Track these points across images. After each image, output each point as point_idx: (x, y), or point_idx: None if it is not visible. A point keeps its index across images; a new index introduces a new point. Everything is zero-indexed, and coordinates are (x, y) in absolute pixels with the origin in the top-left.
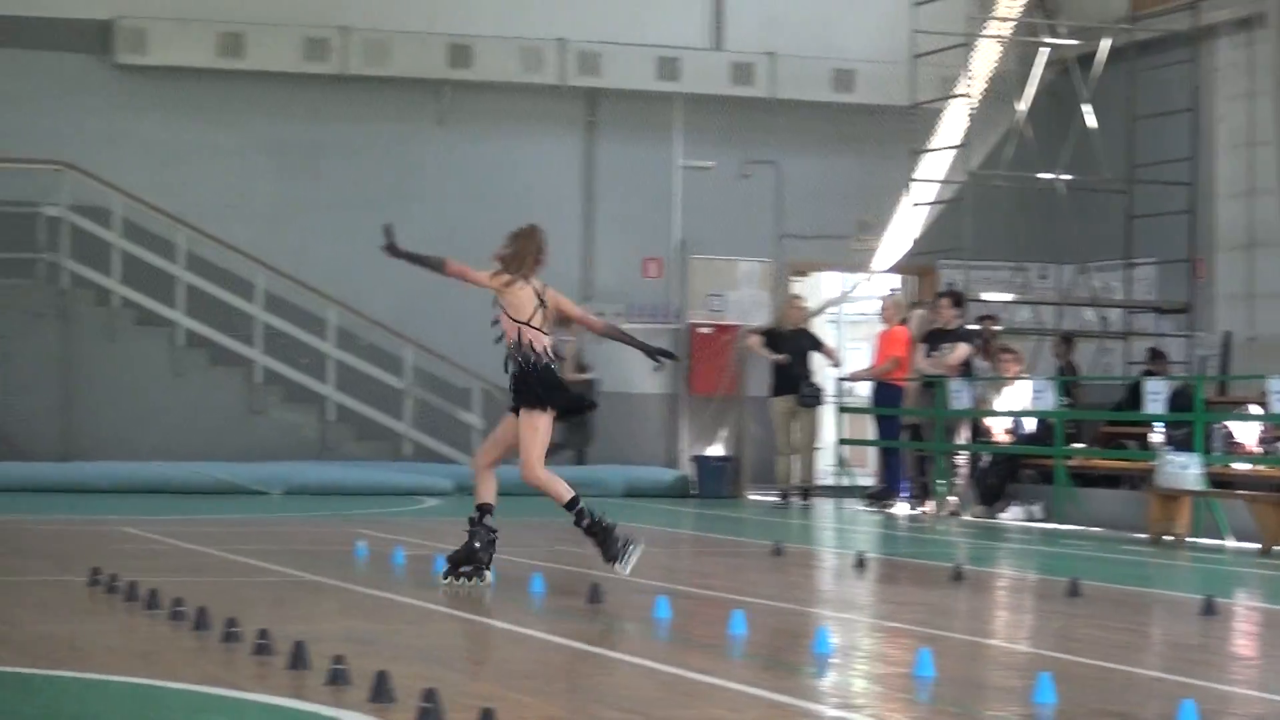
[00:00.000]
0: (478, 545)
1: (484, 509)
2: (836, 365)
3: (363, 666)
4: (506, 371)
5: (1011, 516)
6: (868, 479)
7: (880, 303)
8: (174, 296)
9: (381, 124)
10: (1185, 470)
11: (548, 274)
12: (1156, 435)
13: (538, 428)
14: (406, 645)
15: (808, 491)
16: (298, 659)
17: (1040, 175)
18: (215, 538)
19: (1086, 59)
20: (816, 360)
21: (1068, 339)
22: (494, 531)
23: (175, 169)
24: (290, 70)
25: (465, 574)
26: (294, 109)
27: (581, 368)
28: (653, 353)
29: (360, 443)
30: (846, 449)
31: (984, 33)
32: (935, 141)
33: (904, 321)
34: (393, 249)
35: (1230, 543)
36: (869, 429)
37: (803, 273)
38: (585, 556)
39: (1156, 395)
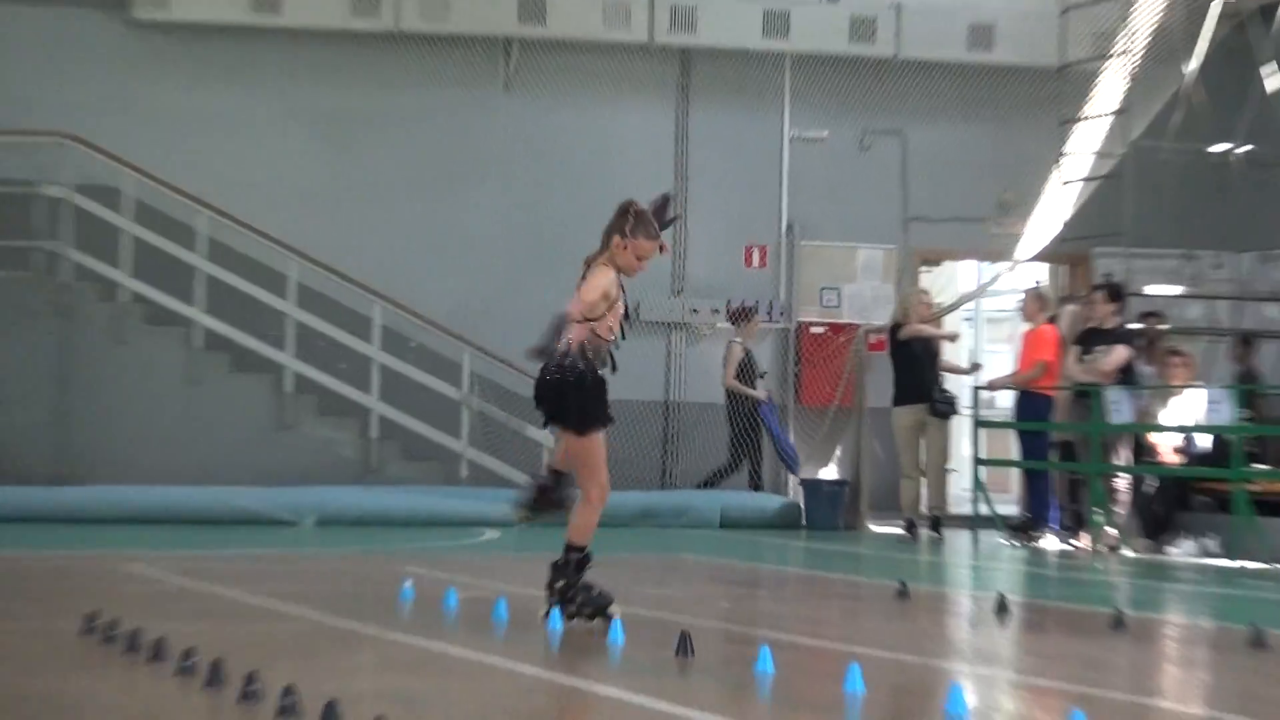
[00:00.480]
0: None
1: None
2: (969, 373)
3: None
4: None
5: (1182, 551)
6: (1010, 506)
7: (1023, 297)
8: (192, 291)
9: (439, 90)
10: None
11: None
12: None
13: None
14: (458, 706)
15: (938, 521)
16: None
17: (1213, 148)
18: (234, 576)
19: (1267, 10)
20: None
21: (1248, 340)
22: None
23: (197, 142)
24: (334, 27)
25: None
26: (338, 73)
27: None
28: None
29: (409, 463)
30: (984, 471)
31: None
32: (1089, 108)
33: (1052, 319)
34: (543, 351)
35: None
36: (1011, 447)
37: (933, 262)
38: (673, 599)
39: None
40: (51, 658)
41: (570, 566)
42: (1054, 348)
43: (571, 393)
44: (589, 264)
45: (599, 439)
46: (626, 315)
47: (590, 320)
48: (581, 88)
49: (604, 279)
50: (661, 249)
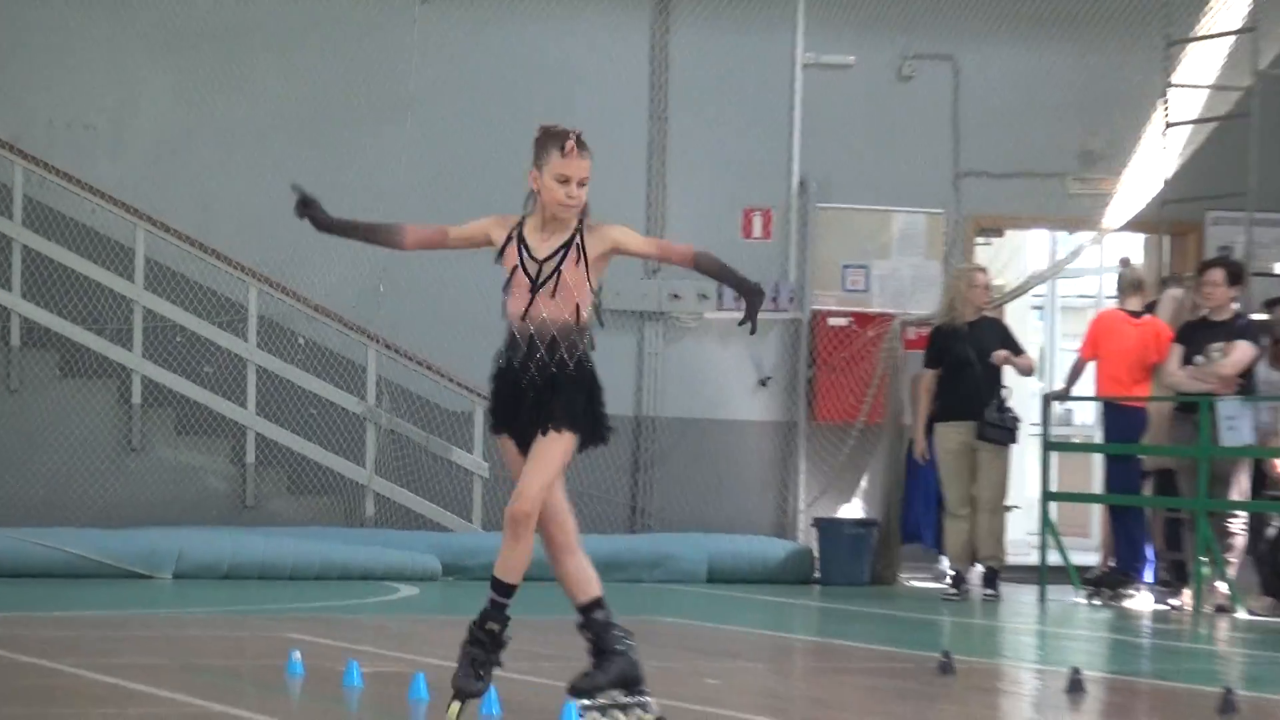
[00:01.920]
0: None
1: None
2: (1030, 373)
3: None
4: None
5: None
6: (1090, 554)
7: (1116, 279)
8: (6, 270)
9: (334, 3)
10: None
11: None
12: None
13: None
14: None
15: (994, 574)
16: None
17: None
18: (69, 645)
19: None
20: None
21: None
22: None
23: (13, 74)
24: None
25: (623, 705)
26: None
27: None
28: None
29: (296, 498)
30: (1056, 508)
31: None
32: (1205, 26)
33: (1151, 307)
34: (315, 218)
35: None
36: (1094, 478)
37: (993, 231)
38: (650, 673)
39: None
40: None
41: (596, 623)
42: (1162, 346)
43: (587, 388)
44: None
45: (505, 450)
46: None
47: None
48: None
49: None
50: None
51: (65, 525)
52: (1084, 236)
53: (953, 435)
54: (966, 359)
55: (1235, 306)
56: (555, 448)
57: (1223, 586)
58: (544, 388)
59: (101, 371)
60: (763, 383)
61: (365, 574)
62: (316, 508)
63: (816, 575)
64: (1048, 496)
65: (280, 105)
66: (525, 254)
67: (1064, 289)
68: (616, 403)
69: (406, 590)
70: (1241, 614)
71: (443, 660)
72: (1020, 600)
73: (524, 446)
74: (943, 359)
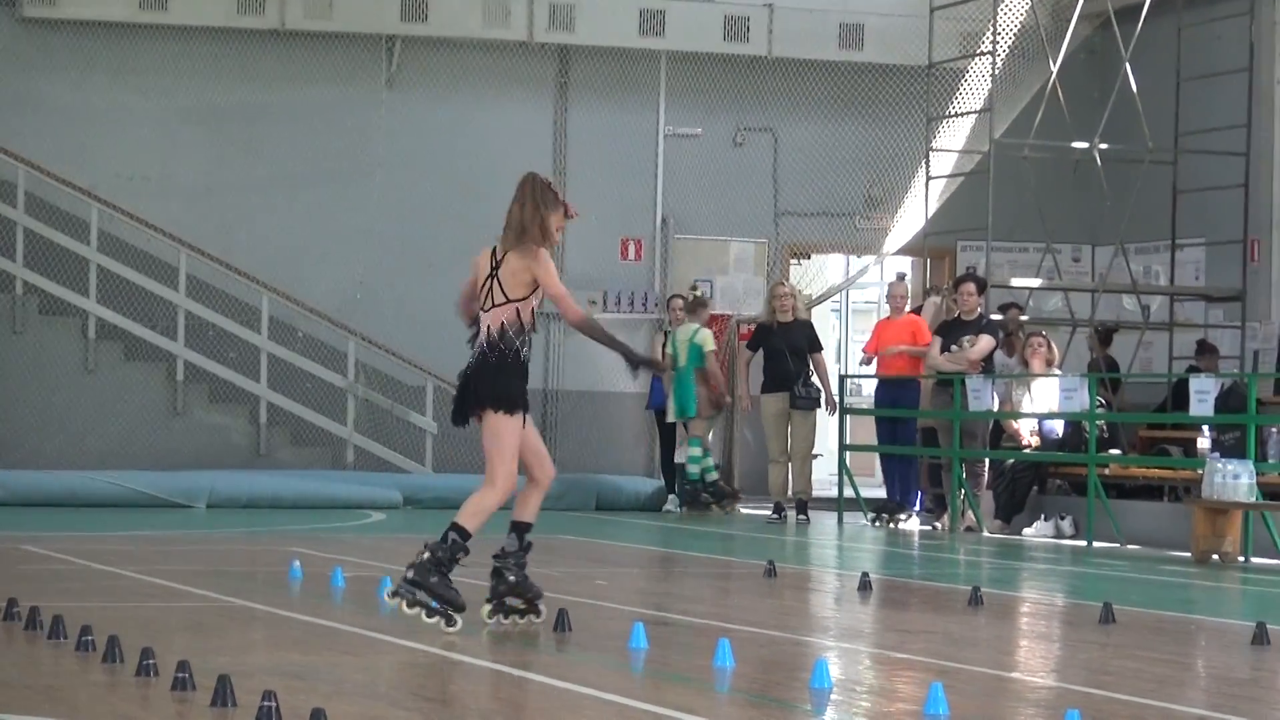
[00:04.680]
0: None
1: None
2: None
3: (296, 704)
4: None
5: (1037, 532)
6: (875, 489)
7: (888, 290)
8: (85, 282)
9: (323, 86)
10: (1236, 480)
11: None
12: (1204, 440)
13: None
14: (347, 679)
15: (804, 504)
16: (222, 695)
17: (1075, 144)
18: (129, 557)
19: (1128, 12)
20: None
21: (1104, 331)
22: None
23: (88, 137)
24: (220, 25)
25: (520, 609)
26: (223, 69)
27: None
28: (636, 361)
29: (297, 449)
30: (849, 456)
31: None
32: (955, 106)
33: (917, 310)
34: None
35: None
36: (874, 433)
37: (803, 255)
38: (552, 578)
39: (1204, 394)
40: None
41: (446, 546)
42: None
43: (493, 372)
44: (502, 252)
45: (515, 423)
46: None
47: (515, 301)
48: (462, 85)
49: (548, 260)
50: (569, 215)
51: (128, 469)
52: (868, 259)
53: (773, 403)
54: (780, 349)
55: (979, 310)
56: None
57: (971, 514)
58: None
59: (154, 356)
60: (635, 375)
61: (347, 504)
62: (311, 456)
63: (669, 507)
64: (844, 447)
65: (281, 163)
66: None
67: (854, 297)
68: (531, 378)
69: (376, 516)
70: (985, 533)
71: (404, 567)
72: (824, 524)
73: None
74: (763, 347)
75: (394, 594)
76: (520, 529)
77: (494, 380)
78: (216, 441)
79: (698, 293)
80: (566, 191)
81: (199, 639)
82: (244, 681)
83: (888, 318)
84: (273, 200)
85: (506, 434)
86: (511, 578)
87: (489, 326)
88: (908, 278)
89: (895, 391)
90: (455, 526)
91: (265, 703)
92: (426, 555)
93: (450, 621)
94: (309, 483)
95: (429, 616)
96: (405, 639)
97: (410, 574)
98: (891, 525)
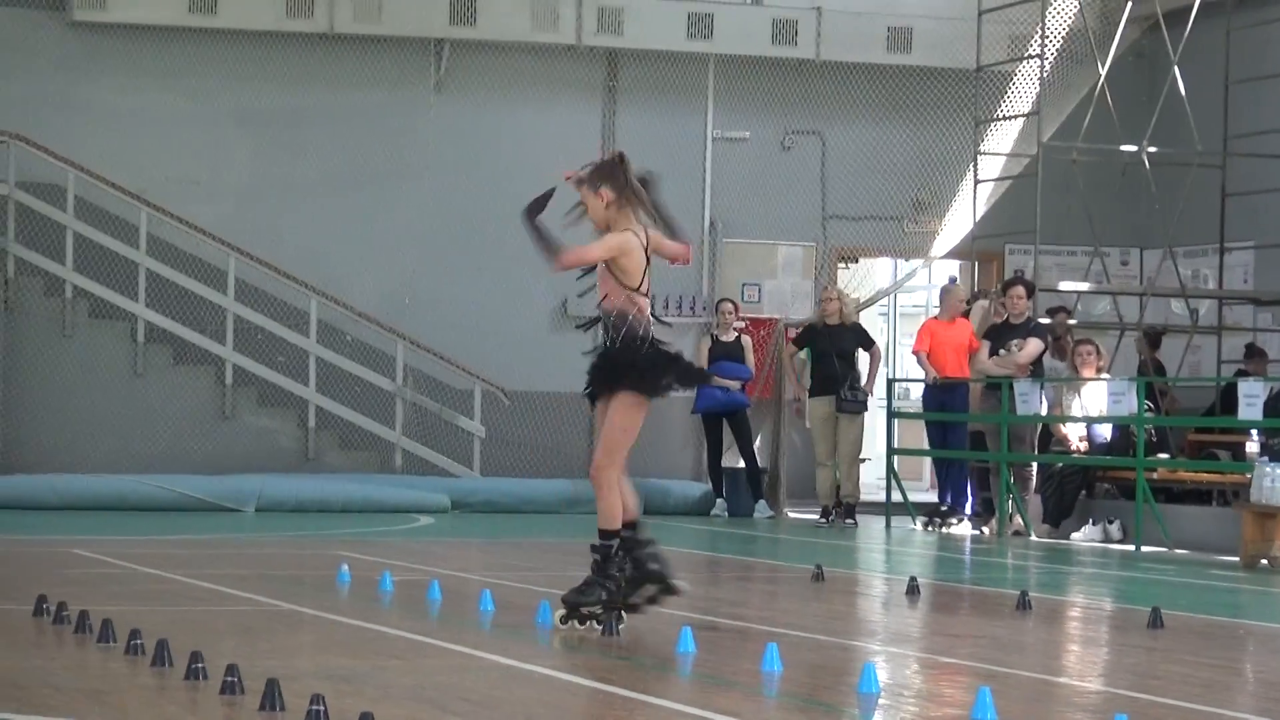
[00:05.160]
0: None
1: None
2: (875, 370)
3: (344, 708)
4: (602, 347)
5: (1085, 537)
6: (923, 494)
7: (943, 294)
8: (134, 286)
9: (372, 90)
10: None
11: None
12: (1252, 444)
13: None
14: (394, 684)
15: (852, 508)
16: (271, 699)
17: (1123, 148)
18: (178, 560)
19: (1177, 14)
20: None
21: (1152, 334)
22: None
23: (137, 141)
24: (269, 29)
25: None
26: (272, 73)
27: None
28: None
29: (345, 452)
30: (898, 460)
31: None
32: (1003, 110)
33: (966, 314)
34: (532, 212)
35: None
36: (923, 437)
37: (850, 259)
38: None
39: (1253, 399)
40: (4, 638)
41: (607, 565)
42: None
43: (635, 356)
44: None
45: (644, 412)
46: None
47: (628, 289)
48: (510, 88)
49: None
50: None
51: (176, 473)
52: (916, 263)
53: (820, 407)
54: (827, 352)
55: (1028, 314)
56: None
57: (1019, 518)
58: None
59: (203, 360)
60: None
61: (395, 508)
62: (359, 459)
63: (722, 511)
64: (891, 451)
65: (330, 166)
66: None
67: (902, 301)
68: (578, 382)
69: (424, 520)
70: (1033, 537)
71: (453, 570)
72: (872, 528)
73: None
74: (810, 348)
75: (564, 620)
76: (629, 524)
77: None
78: (265, 445)
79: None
80: None
81: (247, 642)
82: (292, 685)
83: (935, 317)
84: (321, 204)
85: (637, 419)
86: (654, 565)
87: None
88: (958, 282)
89: (944, 395)
90: (596, 547)
91: (313, 706)
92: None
93: (613, 617)
94: (357, 486)
95: (597, 623)
96: (453, 643)
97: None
98: (941, 529)
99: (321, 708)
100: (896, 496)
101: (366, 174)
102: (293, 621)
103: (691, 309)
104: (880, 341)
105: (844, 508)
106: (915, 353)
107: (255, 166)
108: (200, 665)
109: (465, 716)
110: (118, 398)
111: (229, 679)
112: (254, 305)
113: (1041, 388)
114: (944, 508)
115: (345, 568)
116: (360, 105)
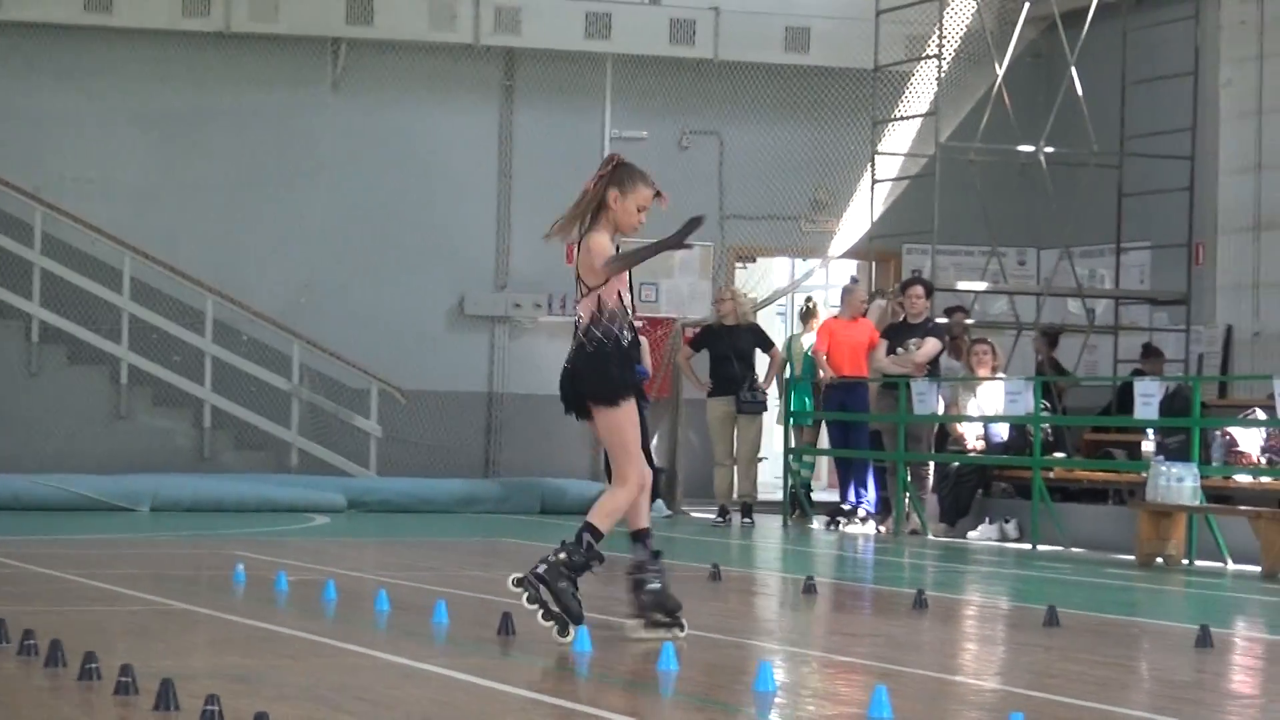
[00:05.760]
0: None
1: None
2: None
3: (239, 708)
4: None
5: (982, 536)
6: (820, 493)
7: (842, 293)
8: (29, 285)
9: (269, 89)
10: (1180, 483)
11: (458, 257)
12: (1148, 443)
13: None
14: (289, 683)
15: (749, 507)
16: (165, 699)
17: (1020, 148)
18: (72, 560)
19: (1074, 16)
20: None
21: (1049, 334)
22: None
23: (33, 139)
24: (165, 28)
25: (665, 623)
26: (169, 72)
27: None
28: (679, 240)
29: (241, 452)
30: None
31: None
32: (901, 110)
33: (864, 314)
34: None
35: (1230, 565)
36: (821, 437)
37: (748, 258)
38: (493, 581)
39: (1149, 398)
40: None
41: (581, 549)
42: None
43: (595, 362)
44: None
45: (631, 413)
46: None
47: (596, 289)
48: (408, 88)
49: (603, 243)
50: (660, 196)
51: (71, 472)
52: (813, 262)
53: (719, 407)
54: (724, 354)
55: (926, 313)
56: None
57: (916, 517)
58: (630, 360)
59: (98, 359)
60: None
61: (290, 507)
62: (255, 459)
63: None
64: (789, 451)
65: (227, 166)
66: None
67: (800, 301)
68: (476, 381)
69: (320, 519)
70: (929, 536)
71: (348, 570)
72: (769, 527)
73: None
74: (707, 349)
75: (518, 583)
76: (642, 536)
77: (590, 372)
78: (160, 445)
79: (811, 303)
80: (512, 194)
81: (142, 643)
82: (187, 685)
83: (836, 316)
84: (217, 203)
85: (617, 427)
86: (655, 584)
87: (579, 318)
88: (859, 281)
89: (844, 395)
90: (587, 526)
91: (208, 706)
92: (562, 555)
93: (564, 631)
94: (253, 486)
95: (545, 619)
96: (348, 643)
97: (541, 569)
98: (840, 528)
99: (216, 708)
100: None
101: (264, 173)
102: (187, 621)
103: None
104: (778, 341)
105: (742, 507)
106: (814, 352)
107: (152, 166)
108: (94, 666)
109: (360, 716)
110: (12, 397)
111: (123, 679)
112: (150, 305)
113: (939, 387)
114: (845, 506)
115: (240, 567)
116: (257, 104)
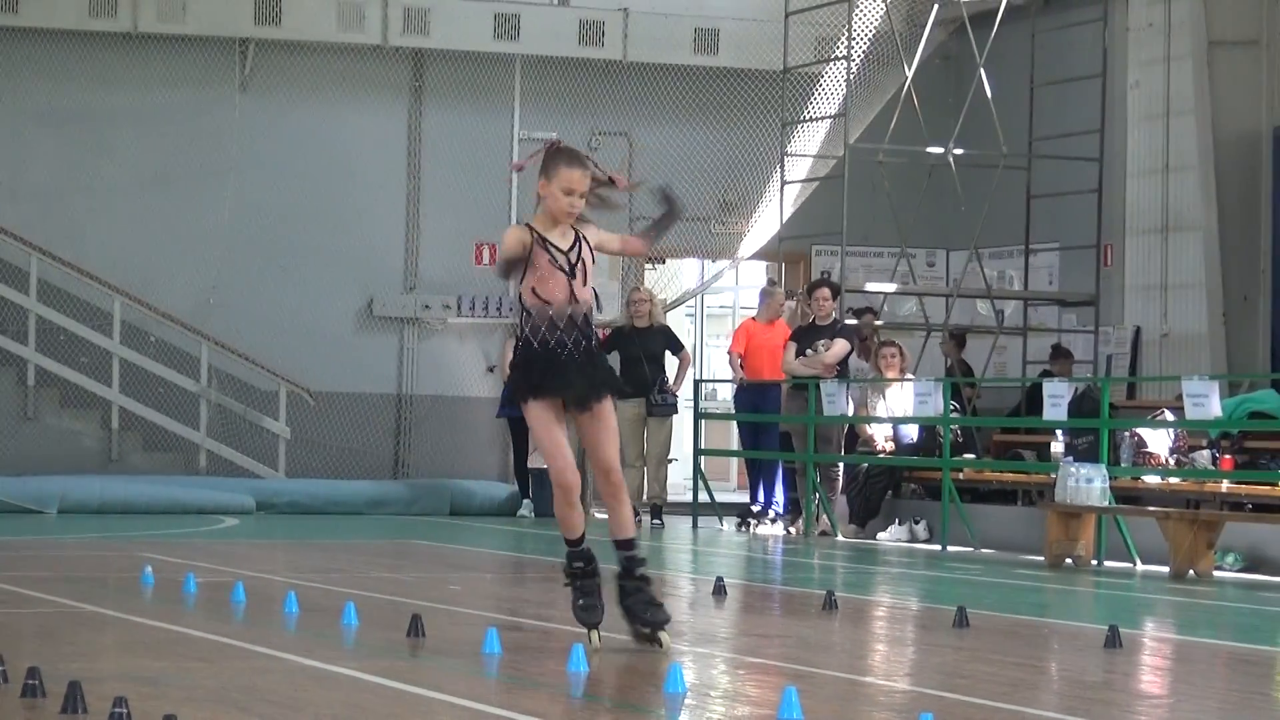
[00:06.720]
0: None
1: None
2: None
3: (148, 710)
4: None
5: (891, 537)
6: (730, 494)
7: (760, 295)
8: None
9: (177, 90)
10: (1089, 484)
11: (367, 258)
12: (1057, 444)
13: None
14: (198, 685)
15: (659, 509)
16: (73, 702)
17: (929, 149)
18: None
19: (983, 18)
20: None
21: (958, 335)
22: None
23: None
24: (72, 28)
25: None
26: (76, 72)
27: None
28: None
29: (149, 454)
30: (704, 461)
31: None
32: (810, 111)
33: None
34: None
35: (1139, 566)
36: (732, 438)
37: (657, 260)
38: (405, 583)
39: (1058, 399)
40: None
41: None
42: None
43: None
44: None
45: (539, 416)
46: (578, 271)
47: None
48: (316, 89)
49: (509, 238)
50: (613, 181)
51: None
52: (723, 264)
53: (629, 409)
54: (636, 355)
55: (834, 315)
56: (612, 413)
57: (825, 518)
58: (585, 361)
59: (4, 361)
60: (490, 369)
61: (199, 509)
62: (164, 461)
63: (527, 511)
64: (699, 452)
65: (135, 166)
66: (553, 250)
67: (709, 302)
68: (385, 383)
69: (229, 521)
70: (839, 537)
71: (257, 572)
72: (679, 528)
73: (568, 409)
74: (619, 352)
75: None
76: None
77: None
78: (68, 446)
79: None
80: (421, 195)
81: (49, 645)
82: (95, 687)
83: (754, 318)
84: (125, 204)
85: (531, 426)
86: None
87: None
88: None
89: (758, 396)
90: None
91: (117, 709)
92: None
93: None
94: (161, 488)
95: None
96: (257, 645)
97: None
98: (749, 529)
99: (125, 710)
100: (704, 497)
101: (172, 174)
102: (95, 624)
103: (498, 309)
104: (687, 342)
105: (653, 508)
106: (729, 353)
107: (59, 166)
108: (1, 669)
109: (269, 719)
110: None
111: (30, 682)
112: (57, 306)
113: (848, 388)
114: (755, 508)
115: (149, 569)
116: (165, 105)
